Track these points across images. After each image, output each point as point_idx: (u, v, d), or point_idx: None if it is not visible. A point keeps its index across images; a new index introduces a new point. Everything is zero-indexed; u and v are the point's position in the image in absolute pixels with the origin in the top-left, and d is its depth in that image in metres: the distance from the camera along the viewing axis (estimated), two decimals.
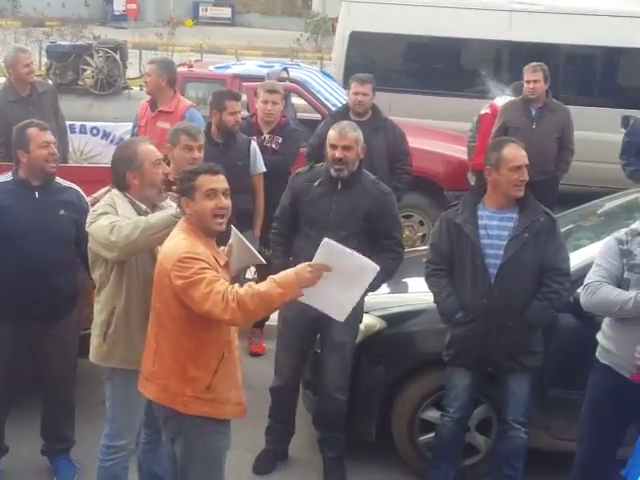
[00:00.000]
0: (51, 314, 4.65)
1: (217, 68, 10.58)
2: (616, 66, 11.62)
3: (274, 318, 6.63)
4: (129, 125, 7.92)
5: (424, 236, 8.96)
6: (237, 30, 35.26)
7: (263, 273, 6.69)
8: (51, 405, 5.14)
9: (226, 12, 39.99)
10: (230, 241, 4.10)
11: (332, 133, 5.08)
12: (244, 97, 8.21)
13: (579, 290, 4.55)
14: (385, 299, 5.62)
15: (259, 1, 41.40)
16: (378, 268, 3.83)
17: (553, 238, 4.76)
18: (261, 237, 6.46)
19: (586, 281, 4.44)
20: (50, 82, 9.11)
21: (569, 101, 9.27)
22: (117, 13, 36.60)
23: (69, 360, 4.95)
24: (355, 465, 5.40)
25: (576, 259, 4.96)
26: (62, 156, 6.41)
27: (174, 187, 4.34)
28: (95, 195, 4.83)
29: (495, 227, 4.77)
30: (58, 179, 4.92)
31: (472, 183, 8.88)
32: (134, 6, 30.59)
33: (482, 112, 8.73)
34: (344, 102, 8.25)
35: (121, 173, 4.37)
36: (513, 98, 8.47)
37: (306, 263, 3.74)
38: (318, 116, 9.25)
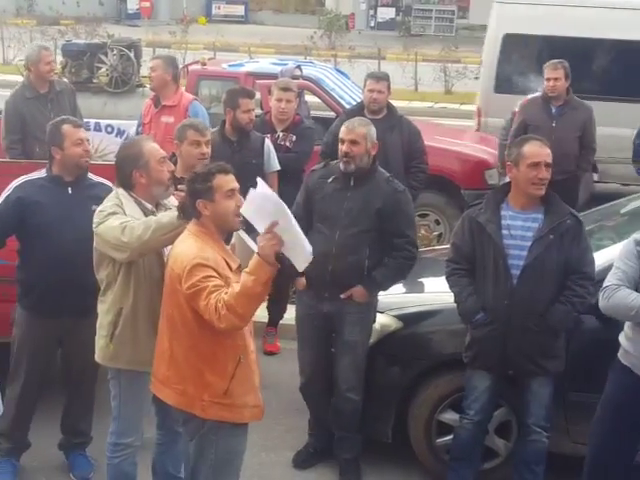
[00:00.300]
0: (81, 310, 4.67)
1: (230, 66, 10.54)
2: None
3: (288, 317, 6.62)
4: None
5: (440, 235, 8.90)
6: (250, 28, 35.29)
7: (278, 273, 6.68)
8: (73, 400, 5.18)
9: (239, 10, 40.03)
10: (232, 241, 4.07)
11: (342, 128, 5.15)
12: (258, 95, 8.18)
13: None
14: (401, 299, 5.57)
15: None
16: (268, 193, 3.70)
17: (579, 240, 4.68)
18: None
19: (604, 284, 4.37)
20: (65, 80, 9.12)
21: None
22: (131, 11, 36.77)
23: (93, 356, 4.94)
24: (371, 466, 5.36)
25: (598, 260, 4.86)
26: None
27: (179, 185, 4.34)
28: None
29: (519, 227, 4.69)
30: (90, 175, 4.95)
31: (491, 182, 8.81)
32: (148, 4, 30.74)
33: (515, 109, 8.59)
34: (358, 100, 8.19)
35: (127, 172, 4.35)
36: None
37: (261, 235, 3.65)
38: (332, 114, 9.20)
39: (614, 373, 4.52)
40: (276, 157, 6.48)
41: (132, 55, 10.69)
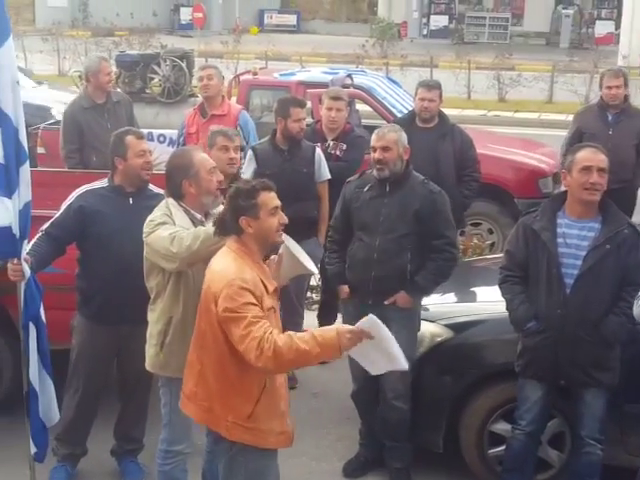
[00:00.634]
0: (140, 318, 4.67)
1: (282, 75, 10.60)
2: None
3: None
4: None
5: (493, 244, 8.82)
6: (302, 37, 35.47)
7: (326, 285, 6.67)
8: (127, 407, 5.23)
9: (291, 19, 40.29)
10: (280, 250, 4.05)
11: (372, 136, 5.20)
12: (309, 104, 8.19)
13: None
14: (451, 308, 5.54)
15: (324, 8, 41.55)
16: (407, 367, 3.82)
17: (636, 251, 4.59)
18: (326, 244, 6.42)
19: None
20: (119, 90, 9.25)
21: None
22: (184, 22, 37.21)
23: None
24: (422, 477, 5.31)
25: None
26: None
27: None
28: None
29: (574, 236, 4.63)
30: (150, 186, 5.00)
31: (546, 190, 8.70)
32: (200, 15, 31.03)
33: None
34: (410, 108, 8.16)
35: (177, 182, 4.39)
36: None
37: (348, 327, 3.66)
38: (383, 122, 9.17)
39: None
40: (327, 166, 6.48)
41: (184, 65, 10.81)
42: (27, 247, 4.65)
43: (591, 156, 4.60)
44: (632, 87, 8.94)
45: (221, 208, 4.40)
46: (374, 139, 5.15)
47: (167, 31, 35.74)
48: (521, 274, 4.76)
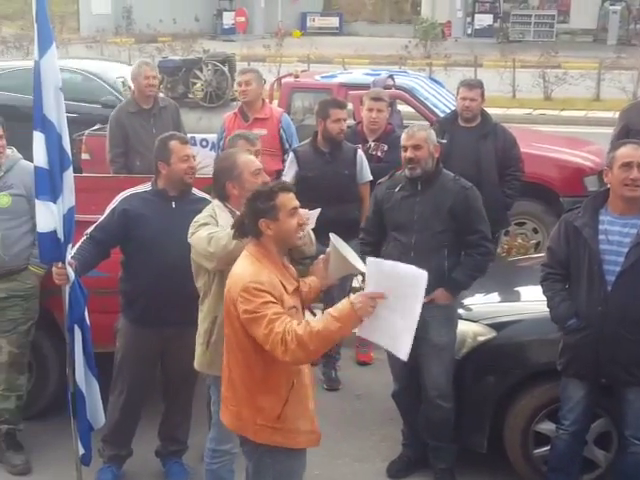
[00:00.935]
0: (184, 320, 4.72)
1: (323, 77, 10.61)
2: None
3: None
4: None
5: (538, 244, 8.72)
6: (344, 39, 35.47)
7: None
8: (171, 408, 5.28)
9: (333, 22, 40.34)
10: (328, 249, 4.06)
11: (402, 135, 5.21)
12: (350, 105, 8.19)
13: None
14: (494, 308, 5.51)
15: (367, 9, 41.51)
16: (426, 274, 3.69)
17: None
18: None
19: None
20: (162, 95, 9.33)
21: None
22: (226, 27, 37.45)
23: (192, 364, 5.03)
24: (466, 477, 5.28)
25: None
26: None
27: None
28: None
29: (616, 233, 4.57)
30: (193, 190, 5.05)
31: (591, 188, 8.58)
32: (243, 19, 31.17)
33: None
34: (453, 108, 8.13)
35: (222, 183, 4.45)
36: None
37: (360, 293, 3.63)
38: (426, 123, 9.14)
39: None
40: (368, 167, 6.48)
41: (226, 70, 10.86)
42: (72, 251, 4.73)
43: (631, 152, 4.55)
44: None
45: None
46: (404, 138, 5.15)
47: (210, 36, 36.03)
48: (562, 271, 4.72)
